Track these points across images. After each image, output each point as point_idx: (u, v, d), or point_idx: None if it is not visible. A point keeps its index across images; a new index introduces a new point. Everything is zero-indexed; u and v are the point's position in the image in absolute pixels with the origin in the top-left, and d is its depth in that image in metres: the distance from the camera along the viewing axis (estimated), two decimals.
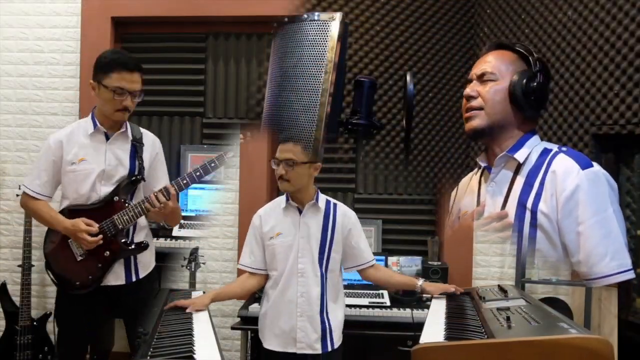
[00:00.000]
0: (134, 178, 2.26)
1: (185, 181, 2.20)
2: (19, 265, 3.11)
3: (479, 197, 1.81)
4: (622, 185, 2.61)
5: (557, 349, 1.19)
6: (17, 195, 2.59)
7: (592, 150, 2.62)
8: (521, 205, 1.62)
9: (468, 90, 1.72)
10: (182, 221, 3.27)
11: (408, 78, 1.99)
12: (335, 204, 2.24)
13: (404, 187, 3.36)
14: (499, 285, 2.02)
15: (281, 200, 2.22)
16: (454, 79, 3.29)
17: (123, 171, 2.25)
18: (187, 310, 1.90)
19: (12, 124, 3.41)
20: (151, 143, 2.35)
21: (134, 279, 2.29)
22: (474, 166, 1.96)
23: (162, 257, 3.08)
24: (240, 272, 2.32)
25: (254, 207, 3.27)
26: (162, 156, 2.41)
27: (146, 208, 2.18)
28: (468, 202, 1.86)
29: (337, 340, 2.18)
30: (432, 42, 3.29)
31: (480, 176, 1.84)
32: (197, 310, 1.92)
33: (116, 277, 2.25)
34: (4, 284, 3.17)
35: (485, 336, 1.37)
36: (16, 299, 3.12)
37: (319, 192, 2.21)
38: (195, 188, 3.35)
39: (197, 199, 3.36)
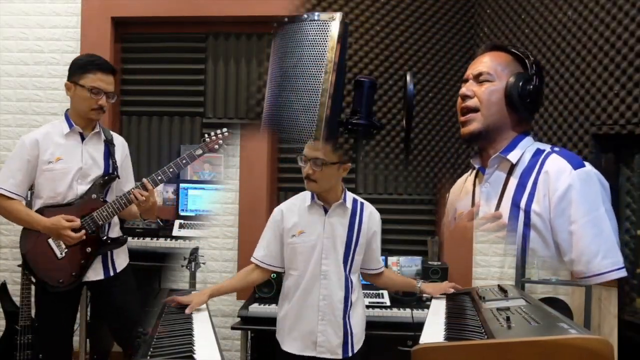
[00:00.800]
0: (107, 177, 2.34)
1: (160, 177, 2.32)
2: (19, 265, 3.09)
3: (473, 198, 1.81)
4: (622, 185, 2.61)
5: (557, 349, 1.19)
6: None
7: (592, 150, 2.62)
8: (515, 205, 1.62)
9: (464, 90, 1.72)
10: (182, 221, 3.28)
11: (408, 78, 1.98)
12: (362, 203, 2.15)
13: (404, 187, 3.36)
14: (499, 285, 2.02)
15: (306, 196, 2.11)
16: (454, 79, 3.29)
17: (97, 170, 2.33)
18: (186, 312, 1.87)
19: (12, 124, 3.42)
20: (121, 144, 2.46)
21: (111, 273, 2.38)
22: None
23: (162, 257, 3.09)
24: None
25: (254, 207, 3.31)
26: (129, 158, 2.51)
27: (130, 200, 2.27)
28: (463, 202, 1.86)
29: (358, 343, 2.11)
30: (432, 42, 3.29)
31: (475, 177, 1.85)
32: (197, 310, 1.91)
33: (95, 272, 2.34)
34: (4, 284, 3.17)
35: (485, 336, 1.37)
36: (16, 299, 3.11)
37: (347, 191, 2.12)
38: (196, 188, 3.36)
39: (197, 199, 3.36)
